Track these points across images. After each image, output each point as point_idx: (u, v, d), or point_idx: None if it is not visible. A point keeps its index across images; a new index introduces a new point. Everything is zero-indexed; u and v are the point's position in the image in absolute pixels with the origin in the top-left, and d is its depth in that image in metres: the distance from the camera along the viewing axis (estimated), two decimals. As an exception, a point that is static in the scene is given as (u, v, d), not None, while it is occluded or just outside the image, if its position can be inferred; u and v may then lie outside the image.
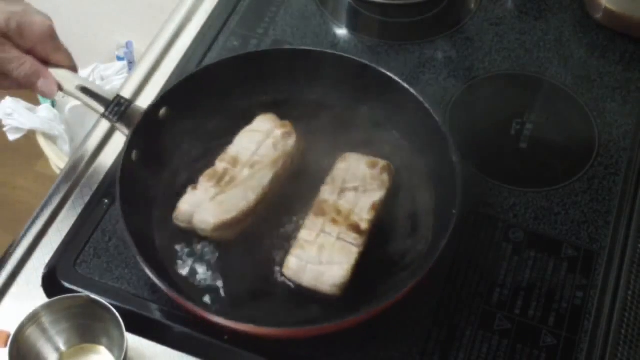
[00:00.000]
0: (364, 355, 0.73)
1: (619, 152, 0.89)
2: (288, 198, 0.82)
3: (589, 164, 0.88)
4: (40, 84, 0.76)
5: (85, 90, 0.80)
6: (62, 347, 0.72)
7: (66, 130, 1.66)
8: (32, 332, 0.69)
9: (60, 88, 0.78)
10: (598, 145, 0.90)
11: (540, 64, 0.99)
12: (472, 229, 0.82)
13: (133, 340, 0.73)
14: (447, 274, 0.78)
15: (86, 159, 0.88)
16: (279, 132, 0.83)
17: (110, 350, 0.72)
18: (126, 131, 0.80)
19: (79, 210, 0.83)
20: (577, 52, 1.00)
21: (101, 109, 0.80)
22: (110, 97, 0.80)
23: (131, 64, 1.80)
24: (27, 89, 0.77)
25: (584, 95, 0.95)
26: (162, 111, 0.83)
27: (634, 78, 0.97)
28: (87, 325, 0.71)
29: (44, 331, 0.70)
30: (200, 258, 0.78)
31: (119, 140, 0.90)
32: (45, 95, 0.78)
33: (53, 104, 1.68)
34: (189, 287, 0.76)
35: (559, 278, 0.78)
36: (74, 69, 0.80)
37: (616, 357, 0.73)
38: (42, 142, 1.63)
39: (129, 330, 0.68)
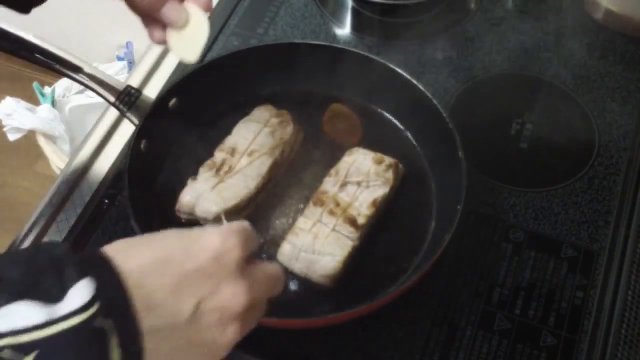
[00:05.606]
0: (364, 355, 0.73)
1: (619, 152, 0.89)
2: (290, 187, 0.83)
3: (589, 164, 0.88)
4: (165, 9, 0.70)
5: (96, 80, 0.81)
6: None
7: (66, 130, 1.66)
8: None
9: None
10: (598, 145, 0.90)
11: (540, 64, 0.99)
12: (472, 229, 0.82)
13: (133, 340, 0.73)
14: (447, 274, 0.78)
15: (86, 159, 0.88)
16: (275, 120, 0.84)
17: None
18: (136, 121, 0.81)
19: (79, 210, 0.83)
20: (577, 52, 1.00)
21: (112, 98, 0.81)
22: (121, 87, 0.81)
23: (131, 64, 1.80)
24: (152, 18, 0.71)
25: (584, 95, 0.95)
26: (172, 102, 0.84)
27: (634, 78, 0.97)
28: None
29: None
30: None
31: (119, 141, 0.90)
32: (171, 23, 0.70)
33: (53, 104, 1.68)
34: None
35: (559, 278, 0.78)
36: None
37: (616, 357, 0.73)
38: (42, 142, 1.63)
39: (129, 330, 0.68)
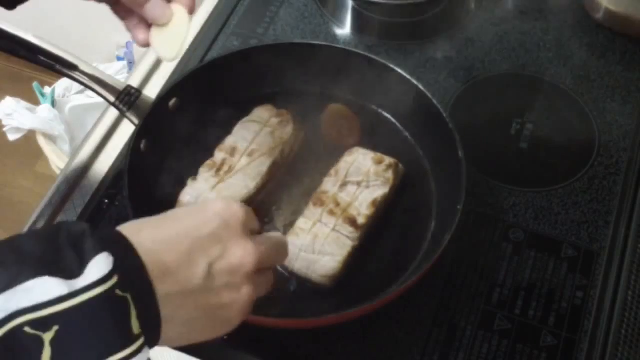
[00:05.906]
0: (363, 355, 0.73)
1: (619, 152, 0.89)
2: (289, 187, 0.83)
3: (589, 164, 0.88)
4: (150, 5, 0.69)
5: (96, 80, 0.81)
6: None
7: (66, 130, 1.66)
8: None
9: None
10: (598, 145, 0.90)
11: (540, 64, 0.99)
12: (472, 229, 0.82)
13: (133, 340, 0.73)
14: (447, 274, 0.78)
15: (86, 159, 0.88)
16: (275, 120, 0.85)
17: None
18: (136, 121, 0.81)
19: (79, 210, 0.83)
20: (577, 52, 1.00)
21: (112, 98, 0.81)
22: (121, 87, 0.81)
23: (131, 64, 1.80)
24: (135, 16, 0.71)
25: (584, 95, 0.95)
26: (172, 102, 0.84)
27: (634, 78, 0.97)
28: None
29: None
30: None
31: (119, 141, 0.90)
32: (155, 19, 0.70)
33: (53, 104, 1.68)
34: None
35: (559, 278, 0.78)
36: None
37: (616, 357, 0.73)
38: (42, 142, 1.63)
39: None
